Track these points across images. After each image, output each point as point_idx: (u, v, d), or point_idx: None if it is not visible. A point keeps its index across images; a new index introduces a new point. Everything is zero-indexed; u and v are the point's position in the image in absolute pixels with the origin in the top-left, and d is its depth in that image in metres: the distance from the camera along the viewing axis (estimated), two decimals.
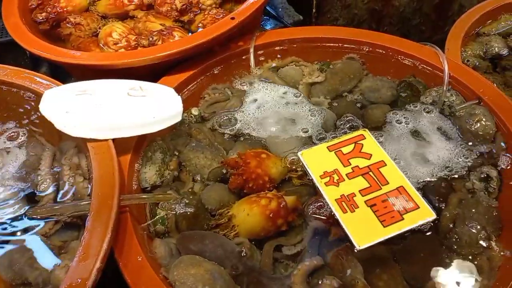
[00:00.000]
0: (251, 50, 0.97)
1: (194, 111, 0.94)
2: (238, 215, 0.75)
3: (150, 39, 0.93)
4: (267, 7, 1.28)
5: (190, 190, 0.81)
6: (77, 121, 0.77)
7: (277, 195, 0.77)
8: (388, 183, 0.73)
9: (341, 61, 1.00)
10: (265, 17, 1.30)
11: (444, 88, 0.87)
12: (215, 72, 0.97)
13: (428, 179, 0.78)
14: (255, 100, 0.91)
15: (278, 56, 1.02)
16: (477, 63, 0.98)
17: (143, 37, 0.96)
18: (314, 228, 0.75)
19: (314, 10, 1.19)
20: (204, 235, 0.74)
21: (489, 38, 1.03)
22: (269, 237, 0.75)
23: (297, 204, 0.77)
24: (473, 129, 0.81)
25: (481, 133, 0.80)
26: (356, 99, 0.95)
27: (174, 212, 0.75)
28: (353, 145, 0.79)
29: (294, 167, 0.80)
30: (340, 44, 0.99)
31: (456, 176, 0.78)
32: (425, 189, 0.77)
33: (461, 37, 0.99)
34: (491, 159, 0.79)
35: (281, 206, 0.75)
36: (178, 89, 0.91)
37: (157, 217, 0.75)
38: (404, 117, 0.86)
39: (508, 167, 0.77)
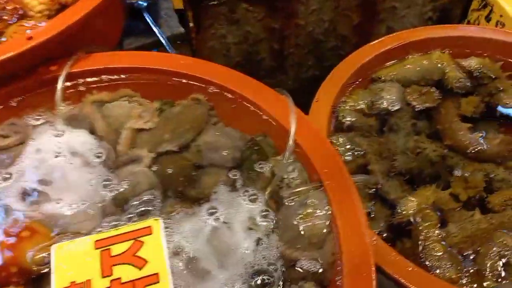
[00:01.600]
0: (61, 79, 0.73)
1: None
2: None
3: None
4: (144, 14, 1.04)
5: None
6: None
7: None
8: None
9: (184, 101, 0.78)
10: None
11: (285, 159, 0.65)
12: (13, 104, 0.75)
13: None
14: (38, 150, 0.69)
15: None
16: (354, 121, 0.75)
17: None
18: None
19: (191, 24, 0.96)
20: None
21: (382, 86, 0.80)
22: None
23: None
24: (298, 226, 0.59)
25: (306, 234, 0.58)
26: (189, 158, 0.73)
27: None
28: (131, 242, 0.56)
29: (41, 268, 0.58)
30: (185, 80, 0.77)
31: None
32: None
33: (340, 84, 0.76)
34: (315, 274, 0.58)
35: None
36: None
37: None
38: (222, 199, 0.64)
39: None
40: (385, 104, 0.77)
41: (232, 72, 0.74)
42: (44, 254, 0.59)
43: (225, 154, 0.71)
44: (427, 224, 0.62)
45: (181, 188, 0.69)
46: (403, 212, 0.65)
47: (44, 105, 0.75)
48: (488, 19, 1.07)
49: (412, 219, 0.64)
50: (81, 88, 0.77)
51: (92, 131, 0.74)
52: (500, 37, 0.86)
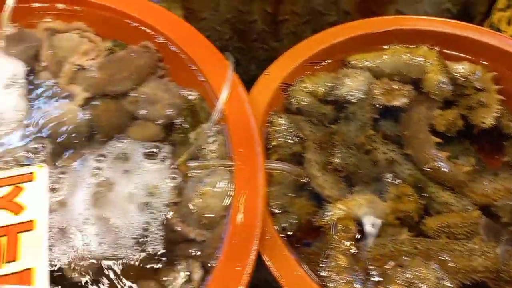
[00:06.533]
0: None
1: None
2: None
3: None
4: None
5: None
6: None
7: None
8: (15, 260, 0.49)
9: (134, 47, 0.72)
10: None
11: (207, 129, 0.60)
12: None
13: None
14: None
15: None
16: (305, 105, 0.68)
17: None
18: None
19: None
20: None
21: (348, 73, 0.71)
22: None
23: None
24: (192, 202, 0.54)
25: (199, 212, 0.54)
26: (125, 107, 0.68)
27: None
28: (10, 187, 0.53)
29: None
30: (135, 24, 0.71)
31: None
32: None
33: (300, 60, 0.68)
34: (201, 256, 0.53)
35: None
36: None
37: None
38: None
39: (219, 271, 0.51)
40: (343, 91, 0.68)
41: (183, 25, 0.69)
42: None
43: (159, 110, 0.67)
44: (342, 234, 0.56)
45: (108, 134, 0.66)
46: (326, 219, 0.58)
47: None
48: (509, 22, 0.95)
49: (332, 225, 0.58)
50: (33, 12, 0.73)
51: (36, 58, 0.72)
52: (503, 45, 0.75)
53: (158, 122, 0.66)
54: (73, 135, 0.63)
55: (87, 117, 0.65)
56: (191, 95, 0.67)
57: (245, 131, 0.57)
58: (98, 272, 0.53)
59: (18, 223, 0.51)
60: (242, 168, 0.54)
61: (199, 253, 0.53)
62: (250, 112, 0.58)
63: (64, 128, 0.64)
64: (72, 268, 0.52)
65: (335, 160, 0.62)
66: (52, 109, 0.65)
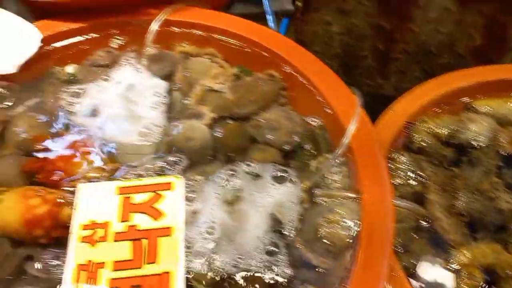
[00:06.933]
0: (157, 22, 0.77)
1: (69, 69, 0.78)
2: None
3: None
4: None
5: None
6: None
7: (56, 199, 0.61)
8: (155, 262, 0.53)
9: (259, 74, 0.77)
10: None
11: (333, 159, 0.61)
12: (114, 33, 0.81)
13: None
14: (118, 81, 0.72)
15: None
16: (427, 145, 0.68)
17: None
18: None
19: (299, 3, 0.94)
20: None
21: (472, 117, 0.71)
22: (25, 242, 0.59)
23: None
24: (320, 229, 0.55)
25: (325, 240, 0.55)
26: (247, 130, 0.72)
27: None
28: (151, 194, 0.58)
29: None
30: (266, 54, 0.76)
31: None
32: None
33: (425, 101, 0.69)
34: (323, 283, 0.54)
35: (49, 215, 0.58)
36: (58, 37, 0.77)
37: None
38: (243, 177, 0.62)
39: None
40: (468, 136, 0.68)
41: (312, 59, 0.72)
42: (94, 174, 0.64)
43: (282, 136, 0.70)
44: (467, 281, 0.55)
45: (231, 155, 0.70)
46: (452, 264, 0.58)
47: (135, 42, 0.80)
48: None
49: (456, 271, 0.57)
50: (172, 36, 0.81)
51: (169, 78, 0.78)
52: None
53: (281, 147, 0.69)
54: (202, 151, 0.68)
55: (216, 135, 0.70)
56: (313, 124, 0.70)
57: (373, 165, 0.58)
58: (220, 285, 0.55)
59: (158, 228, 0.56)
60: (371, 201, 0.55)
61: (320, 280, 0.54)
62: (378, 147, 0.60)
63: (193, 144, 0.69)
64: (197, 278, 0.55)
65: (460, 204, 0.61)
66: (184, 126, 0.71)
